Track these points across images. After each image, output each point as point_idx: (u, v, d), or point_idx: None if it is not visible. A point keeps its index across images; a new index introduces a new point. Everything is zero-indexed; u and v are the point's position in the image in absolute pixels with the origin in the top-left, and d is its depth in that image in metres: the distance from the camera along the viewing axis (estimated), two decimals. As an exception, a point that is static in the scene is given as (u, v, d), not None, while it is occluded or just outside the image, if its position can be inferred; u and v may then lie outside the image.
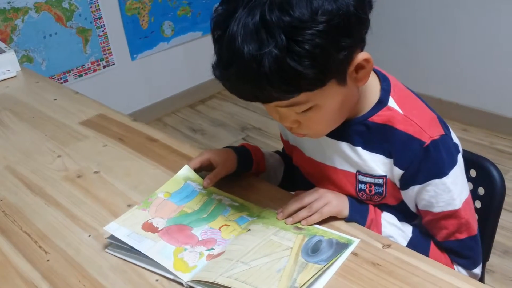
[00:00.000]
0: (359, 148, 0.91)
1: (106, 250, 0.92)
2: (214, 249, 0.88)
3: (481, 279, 1.07)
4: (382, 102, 0.89)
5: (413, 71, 2.72)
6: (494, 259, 1.84)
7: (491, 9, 2.40)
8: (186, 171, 1.02)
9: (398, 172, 0.89)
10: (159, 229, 0.91)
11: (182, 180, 1.01)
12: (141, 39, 2.93)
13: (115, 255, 0.91)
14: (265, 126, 2.90)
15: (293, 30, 0.69)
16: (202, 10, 3.13)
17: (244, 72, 0.72)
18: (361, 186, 0.93)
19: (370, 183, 0.92)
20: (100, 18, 2.73)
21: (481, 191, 1.05)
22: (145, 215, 0.94)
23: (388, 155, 0.89)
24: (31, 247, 0.95)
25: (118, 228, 0.91)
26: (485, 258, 1.06)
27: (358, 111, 0.90)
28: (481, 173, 1.04)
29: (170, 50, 3.07)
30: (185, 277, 0.83)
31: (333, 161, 0.95)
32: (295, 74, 0.71)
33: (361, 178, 0.93)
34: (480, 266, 0.96)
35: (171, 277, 0.84)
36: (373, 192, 0.93)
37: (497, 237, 1.08)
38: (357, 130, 0.90)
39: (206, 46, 3.18)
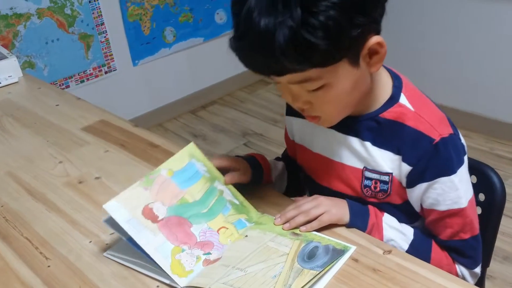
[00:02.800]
0: (368, 143, 0.92)
1: (105, 254, 0.92)
2: (211, 254, 0.88)
3: (482, 285, 1.07)
4: (393, 99, 0.90)
5: (413, 76, 2.71)
6: (494, 265, 1.83)
7: (492, 15, 2.41)
8: (191, 148, 1.00)
9: (406, 168, 0.89)
10: (159, 219, 0.90)
11: (186, 157, 0.98)
12: (142, 45, 2.94)
13: (113, 259, 0.91)
14: (266, 131, 2.91)
15: (309, 2, 0.71)
16: (204, 16, 3.14)
17: (259, 43, 0.74)
18: (366, 182, 0.94)
19: (376, 179, 0.93)
20: (102, 24, 2.74)
21: (481, 197, 1.05)
22: (146, 196, 0.91)
23: (396, 151, 0.90)
24: (32, 253, 0.95)
25: (118, 209, 0.87)
26: (486, 264, 1.06)
27: (369, 107, 0.91)
28: (482, 179, 1.04)
29: (171, 56, 3.08)
30: (181, 282, 0.83)
31: (340, 157, 0.96)
32: (309, 46, 0.72)
33: (368, 174, 0.93)
34: (480, 265, 0.97)
35: (167, 281, 0.84)
36: (378, 189, 0.93)
37: (497, 243, 1.09)
38: (367, 125, 0.91)
39: (207, 52, 3.22)
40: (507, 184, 1.04)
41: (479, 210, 1.05)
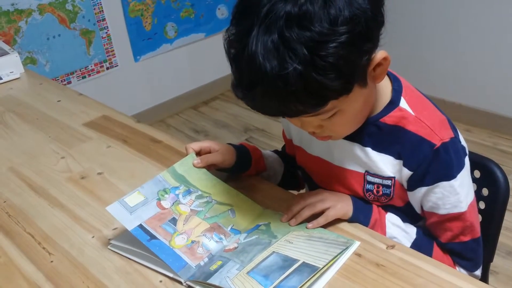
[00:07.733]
0: (368, 149, 0.91)
1: (109, 247, 0.92)
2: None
3: (485, 280, 1.07)
4: (393, 103, 0.89)
5: (416, 72, 2.72)
6: (498, 260, 1.83)
7: (495, 10, 2.40)
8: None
9: (406, 173, 0.89)
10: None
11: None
12: (144, 41, 2.93)
13: (116, 251, 0.91)
14: (268, 127, 2.90)
15: (316, 45, 0.68)
16: (205, 11, 3.13)
17: (270, 91, 0.71)
18: (368, 186, 0.93)
19: (378, 184, 0.92)
20: (104, 19, 2.73)
21: (485, 192, 1.05)
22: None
23: (397, 156, 0.89)
24: (35, 248, 0.95)
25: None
26: (489, 259, 1.06)
27: (370, 112, 0.89)
28: (485, 174, 1.04)
29: (173, 51, 3.08)
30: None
31: (341, 161, 0.95)
32: (322, 87, 0.70)
33: (370, 178, 0.92)
34: (481, 268, 0.97)
35: (171, 275, 0.84)
36: (381, 193, 0.92)
37: (501, 238, 1.08)
38: (368, 131, 0.90)
39: (209, 47, 3.21)
40: (510, 179, 1.04)
41: (482, 205, 1.05)
